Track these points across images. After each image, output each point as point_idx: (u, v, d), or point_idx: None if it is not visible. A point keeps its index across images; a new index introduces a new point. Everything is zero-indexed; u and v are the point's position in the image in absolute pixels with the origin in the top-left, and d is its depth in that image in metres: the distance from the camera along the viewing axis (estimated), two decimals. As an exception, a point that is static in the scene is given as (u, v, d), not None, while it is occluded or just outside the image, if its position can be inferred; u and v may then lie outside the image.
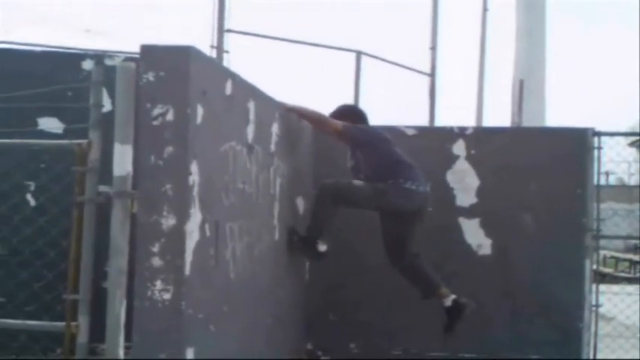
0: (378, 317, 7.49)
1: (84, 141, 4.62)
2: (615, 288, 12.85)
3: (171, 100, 3.95)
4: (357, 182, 6.52)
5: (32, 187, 7.16)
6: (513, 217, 7.45)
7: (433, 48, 13.38)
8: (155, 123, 3.95)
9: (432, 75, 13.33)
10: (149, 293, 3.94)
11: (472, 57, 15.07)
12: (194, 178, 4.02)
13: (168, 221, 3.94)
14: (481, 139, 7.64)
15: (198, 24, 10.87)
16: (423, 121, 12.84)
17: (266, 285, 5.64)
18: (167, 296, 3.93)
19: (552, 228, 7.38)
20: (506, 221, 7.45)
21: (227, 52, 10.33)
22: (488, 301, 7.30)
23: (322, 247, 6.42)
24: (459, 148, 7.55)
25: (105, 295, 4.24)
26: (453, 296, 6.54)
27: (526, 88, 15.59)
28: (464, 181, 7.52)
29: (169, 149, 3.94)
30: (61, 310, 4.77)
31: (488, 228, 7.49)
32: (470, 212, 7.52)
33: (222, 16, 10.28)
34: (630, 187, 24.29)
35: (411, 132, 7.65)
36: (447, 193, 7.47)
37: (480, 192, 7.50)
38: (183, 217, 3.94)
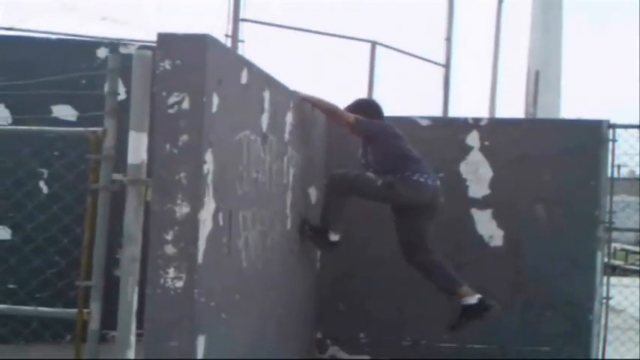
0: (387, 308, 7.49)
1: (99, 129, 4.64)
2: (626, 280, 12.80)
3: (187, 89, 3.95)
4: (367, 173, 6.52)
5: (45, 175, 7.20)
6: (526, 208, 7.43)
7: (448, 39, 13.33)
8: (171, 111, 3.96)
9: (447, 66, 13.28)
10: (162, 281, 3.95)
11: (487, 48, 15.01)
12: (208, 166, 4.03)
13: (182, 209, 3.94)
14: (495, 130, 7.61)
15: (213, 13, 10.86)
16: (437, 111, 12.81)
17: (278, 274, 5.64)
18: (179, 284, 3.94)
19: (565, 220, 7.36)
20: (519, 213, 7.44)
21: (242, 41, 10.33)
22: (499, 292, 7.29)
23: (334, 237, 6.43)
24: (473, 139, 7.53)
25: (117, 283, 4.26)
26: (479, 295, 6.40)
27: (541, 79, 15.52)
28: (477, 172, 7.50)
29: (184, 137, 3.95)
30: (74, 296, 4.80)
31: (500, 219, 7.47)
32: (483, 203, 7.50)
33: (237, 5, 10.28)
34: (643, 180, 24.12)
35: (425, 122, 7.64)
36: (460, 184, 7.45)
37: (493, 183, 7.48)
38: (197, 205, 3.94)
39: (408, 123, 7.26)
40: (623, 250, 21.57)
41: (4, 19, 10.44)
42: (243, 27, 10.39)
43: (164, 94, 3.97)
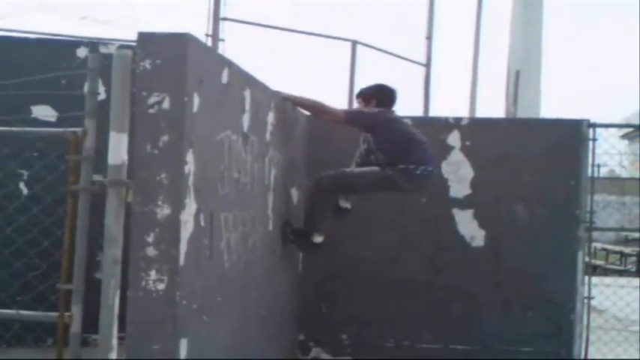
0: (370, 309, 7.49)
1: (79, 129, 4.59)
2: (607, 280, 12.86)
3: (168, 88, 3.92)
4: (357, 169, 6.46)
5: (25, 176, 7.13)
6: (507, 208, 7.45)
7: (429, 38, 13.34)
8: (151, 111, 3.92)
9: (428, 65, 13.30)
10: (143, 283, 3.91)
11: (467, 47, 15.04)
12: (189, 167, 4.00)
13: (163, 211, 3.91)
14: (476, 130, 7.63)
15: (193, 12, 10.82)
16: (418, 111, 12.81)
17: (260, 276, 5.62)
18: (161, 286, 3.91)
19: (546, 219, 7.39)
20: (500, 213, 7.46)
21: (222, 40, 10.29)
22: (481, 292, 7.32)
23: (318, 239, 6.41)
24: (454, 138, 7.54)
25: (99, 285, 4.22)
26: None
27: (521, 78, 15.56)
28: (458, 172, 7.52)
29: (165, 138, 3.91)
30: (55, 300, 4.76)
31: (481, 219, 7.49)
32: (464, 203, 7.51)
33: (217, 4, 10.25)
34: (622, 180, 24.31)
35: (405, 122, 7.62)
36: (441, 184, 7.45)
37: (474, 183, 7.50)
38: (178, 206, 3.91)
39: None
40: (603, 249, 21.67)
41: (-18, 18, 10.36)
42: (224, 26, 10.35)
43: (144, 93, 3.93)
